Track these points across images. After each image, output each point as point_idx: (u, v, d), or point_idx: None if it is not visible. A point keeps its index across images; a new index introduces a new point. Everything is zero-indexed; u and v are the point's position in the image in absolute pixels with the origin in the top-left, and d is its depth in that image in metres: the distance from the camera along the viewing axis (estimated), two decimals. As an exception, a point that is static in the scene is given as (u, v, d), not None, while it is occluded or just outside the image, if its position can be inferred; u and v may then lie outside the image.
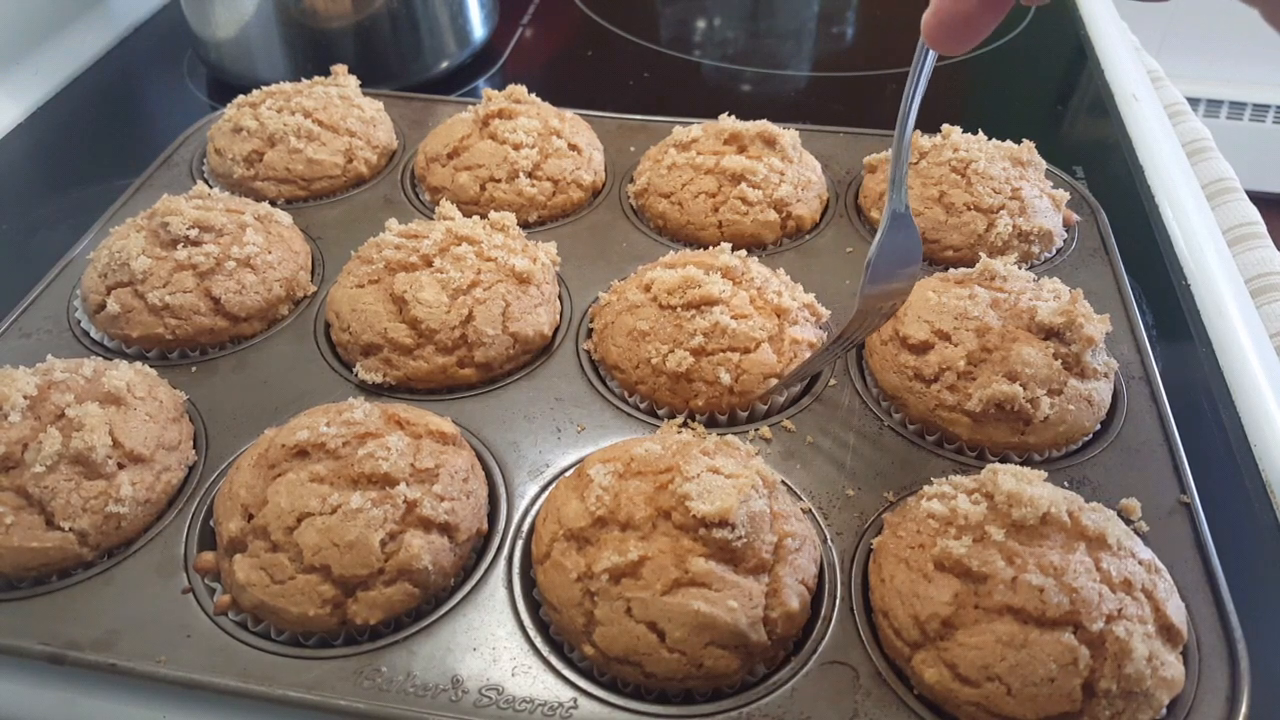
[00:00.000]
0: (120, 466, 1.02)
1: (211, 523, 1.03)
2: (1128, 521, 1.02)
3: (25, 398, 1.02)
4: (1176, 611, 0.90)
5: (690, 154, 1.43)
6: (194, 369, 1.22)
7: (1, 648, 0.93)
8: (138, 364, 1.15)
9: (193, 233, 1.24)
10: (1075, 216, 1.44)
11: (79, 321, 1.28)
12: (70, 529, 0.98)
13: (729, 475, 0.94)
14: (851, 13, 2.32)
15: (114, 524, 1.00)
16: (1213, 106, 4.19)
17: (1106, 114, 1.86)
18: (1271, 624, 1.01)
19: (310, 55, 1.80)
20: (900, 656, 0.92)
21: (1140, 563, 0.92)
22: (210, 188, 1.39)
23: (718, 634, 0.88)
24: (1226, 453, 1.20)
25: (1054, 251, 1.40)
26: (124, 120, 1.90)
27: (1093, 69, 2.01)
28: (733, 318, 1.15)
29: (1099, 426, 1.15)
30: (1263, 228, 1.70)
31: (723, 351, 1.14)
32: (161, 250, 1.24)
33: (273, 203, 1.44)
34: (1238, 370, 1.30)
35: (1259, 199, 1.83)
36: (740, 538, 0.90)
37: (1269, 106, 4.17)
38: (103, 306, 1.23)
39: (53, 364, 1.09)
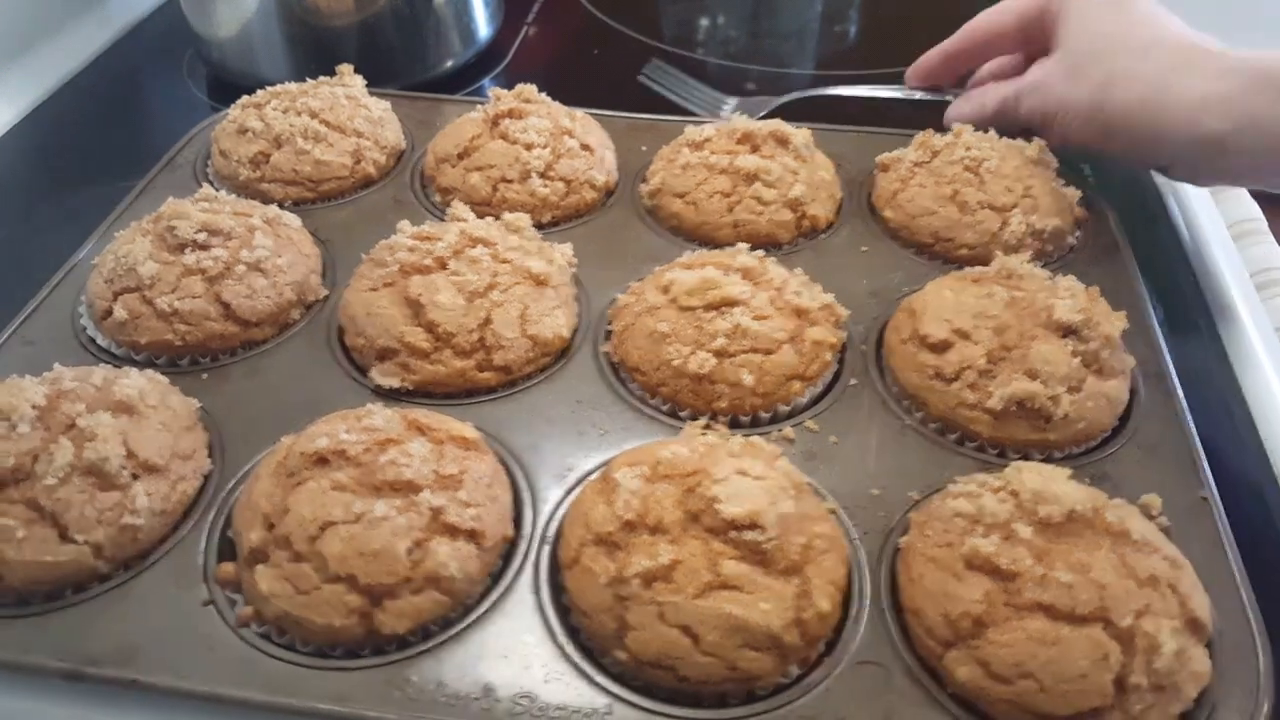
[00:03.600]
0: (135, 477, 1.00)
1: (230, 533, 1.01)
2: (1149, 517, 1.02)
3: (34, 408, 0.99)
4: (1201, 606, 0.91)
5: (704, 154, 1.42)
6: (205, 375, 1.20)
7: (17, 665, 0.91)
8: (148, 371, 1.13)
9: (201, 236, 1.22)
10: (1086, 214, 1.44)
11: (85, 328, 1.26)
12: (85, 542, 0.96)
13: (757, 477, 0.93)
14: (854, 11, 2.32)
15: (130, 536, 0.98)
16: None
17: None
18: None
19: (313, 54, 1.77)
20: (932, 655, 0.91)
21: (1165, 558, 0.92)
22: (216, 190, 1.38)
23: (751, 636, 0.87)
24: (1238, 447, 1.21)
25: (1066, 249, 1.40)
26: (123, 121, 1.88)
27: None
28: (753, 319, 1.14)
29: (1117, 423, 1.15)
30: (1264, 224, 1.71)
31: (745, 353, 1.13)
32: (169, 255, 1.22)
33: (280, 205, 1.42)
34: (1248, 365, 1.31)
35: (1256, 195, 1.84)
36: (770, 539, 0.89)
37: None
38: (109, 313, 1.21)
39: (61, 373, 1.07)
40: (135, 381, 1.07)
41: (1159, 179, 1.64)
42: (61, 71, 1.96)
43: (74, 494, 0.97)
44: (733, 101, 1.82)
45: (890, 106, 1.68)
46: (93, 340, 1.25)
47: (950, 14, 2.30)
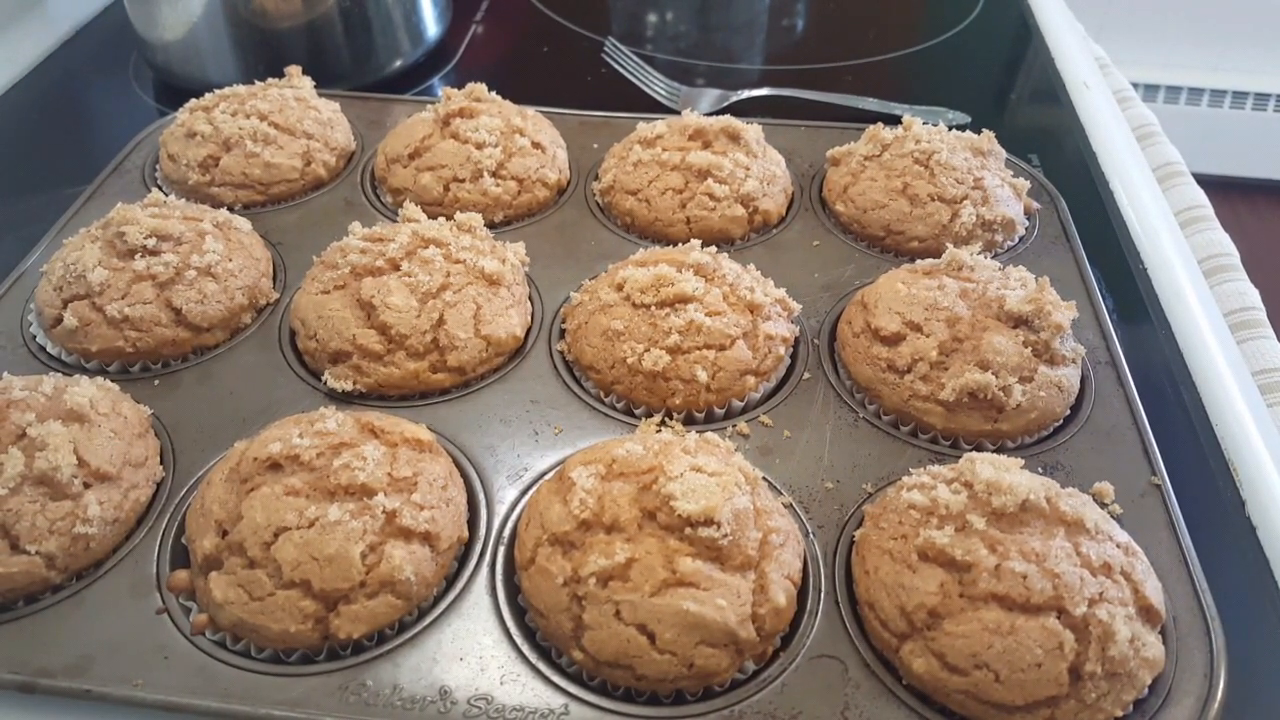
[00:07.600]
0: (86, 486, 0.99)
1: (184, 540, 1.00)
2: (1102, 505, 1.03)
3: (-17, 418, 0.98)
4: (1154, 592, 0.92)
5: (655, 150, 1.42)
6: (157, 382, 1.19)
7: (-31, 678, 0.90)
8: (99, 379, 1.11)
9: (150, 242, 1.21)
10: (1035, 204, 1.45)
11: (34, 337, 1.24)
12: (37, 552, 0.95)
13: (712, 473, 0.94)
14: (801, 5, 2.33)
15: (82, 545, 0.97)
16: (1150, 91, 4.27)
17: (1059, 102, 1.88)
18: (1241, 599, 1.03)
19: (261, 56, 1.76)
20: (888, 648, 0.92)
21: (1118, 545, 0.93)
22: (165, 195, 1.36)
23: (708, 633, 0.87)
24: (1189, 432, 1.22)
25: (1016, 240, 1.41)
26: (68, 127, 1.84)
27: (1044, 57, 2.04)
28: (707, 315, 1.14)
29: (1069, 412, 1.16)
30: (1210, 210, 1.74)
31: (698, 349, 1.13)
32: (119, 261, 1.21)
33: (230, 208, 1.41)
34: (1197, 351, 1.32)
35: (1203, 182, 1.86)
36: (726, 536, 0.90)
37: (1204, 90, 4.26)
38: (59, 320, 1.19)
39: (10, 382, 1.06)
40: (86, 389, 1.06)
41: (1105, 167, 1.66)
42: (2, 79, 1.92)
43: (25, 504, 0.95)
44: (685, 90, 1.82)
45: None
46: (43, 348, 1.23)
47: (895, 8, 2.33)
